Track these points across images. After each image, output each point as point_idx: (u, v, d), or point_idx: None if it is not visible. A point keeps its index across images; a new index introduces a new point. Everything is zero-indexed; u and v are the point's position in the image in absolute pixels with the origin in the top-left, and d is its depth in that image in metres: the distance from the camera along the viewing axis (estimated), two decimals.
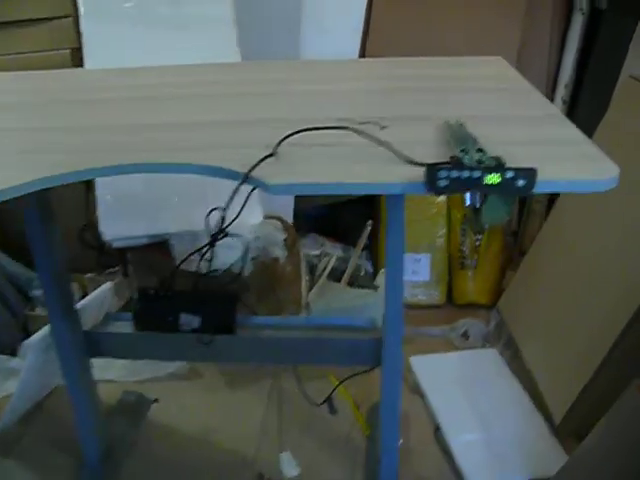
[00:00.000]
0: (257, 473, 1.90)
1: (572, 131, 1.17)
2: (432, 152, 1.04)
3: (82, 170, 1.07)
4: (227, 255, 2.10)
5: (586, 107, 2.70)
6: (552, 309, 2.19)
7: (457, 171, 0.91)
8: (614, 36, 2.54)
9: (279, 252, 2.26)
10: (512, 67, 1.61)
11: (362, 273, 2.53)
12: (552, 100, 2.79)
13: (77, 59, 2.50)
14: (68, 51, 2.47)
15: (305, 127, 1.11)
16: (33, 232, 1.56)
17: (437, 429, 2.03)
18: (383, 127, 1.16)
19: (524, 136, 1.15)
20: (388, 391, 1.67)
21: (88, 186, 2.37)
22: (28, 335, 2.43)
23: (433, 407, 2.09)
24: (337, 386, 2.08)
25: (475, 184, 0.91)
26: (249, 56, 2.29)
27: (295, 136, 1.11)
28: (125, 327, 1.81)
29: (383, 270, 2.52)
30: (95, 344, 1.78)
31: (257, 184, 1.01)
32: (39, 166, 1.08)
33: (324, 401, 2.05)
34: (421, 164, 0.96)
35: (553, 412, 2.01)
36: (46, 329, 1.80)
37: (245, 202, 1.10)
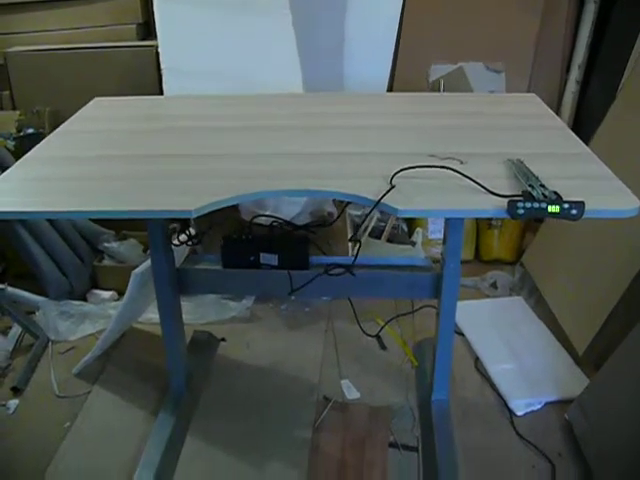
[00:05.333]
0: (323, 396, 2.24)
1: (602, 168, 1.50)
2: (505, 184, 1.38)
3: (253, 193, 1.40)
4: (289, 209, 2.43)
5: (599, 86, 3.02)
6: (571, 259, 2.54)
7: (530, 203, 1.25)
8: (625, 21, 2.85)
9: (331, 208, 2.59)
10: (544, 105, 1.94)
11: (399, 232, 2.87)
12: (566, 81, 3.12)
13: (142, 33, 2.80)
14: (134, 26, 2.76)
15: (413, 164, 1.42)
16: None
17: (476, 360, 2.40)
18: (463, 162, 1.48)
19: (566, 171, 1.47)
20: (445, 320, 2.00)
21: None
22: (97, 284, 2.75)
23: (472, 343, 2.47)
24: (385, 324, 2.46)
25: (542, 212, 1.26)
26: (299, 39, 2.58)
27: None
28: (213, 266, 2.13)
29: (418, 229, 2.87)
30: (187, 279, 2.08)
31: (388, 209, 1.33)
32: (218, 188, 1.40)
33: (377, 334, 2.41)
34: (503, 196, 1.30)
35: (576, 346, 2.36)
36: (144, 265, 2.11)
37: None
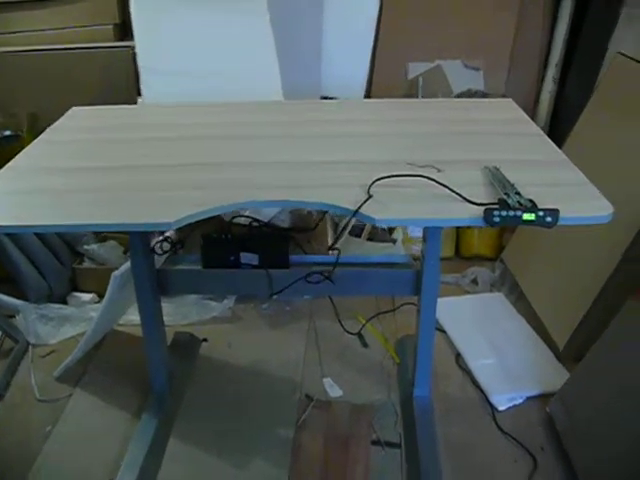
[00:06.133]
0: (305, 395, 2.25)
1: (576, 174, 1.52)
2: (481, 192, 1.40)
3: (232, 204, 1.41)
4: (269, 209, 2.44)
5: (575, 84, 3.04)
6: (551, 254, 2.56)
7: (505, 211, 1.27)
8: (601, 17, 2.87)
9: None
10: (521, 110, 1.96)
11: (379, 230, 2.88)
12: (544, 78, 3.15)
13: (119, 34, 2.79)
14: (111, 27, 2.76)
15: (390, 174, 1.44)
16: None
17: (458, 356, 2.41)
18: (440, 170, 1.50)
19: (542, 178, 1.49)
20: (426, 316, 2.01)
21: None
22: (77, 287, 2.74)
23: (453, 339, 2.48)
24: (366, 322, 2.48)
25: (517, 220, 1.28)
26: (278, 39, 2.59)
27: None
28: (193, 266, 2.13)
29: (398, 227, 2.89)
30: (167, 280, 2.07)
31: (365, 219, 1.35)
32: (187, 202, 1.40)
33: (358, 332, 2.43)
34: (479, 204, 1.32)
35: (556, 341, 2.38)
36: (124, 266, 2.10)
37: None
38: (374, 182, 1.42)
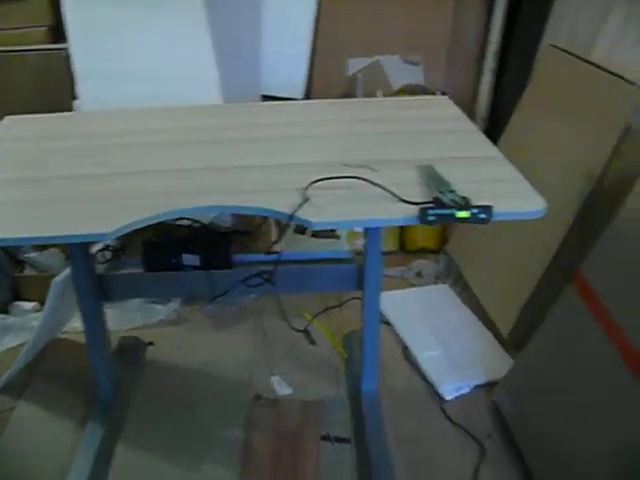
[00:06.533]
0: (254, 394, 2.24)
1: (510, 170, 1.55)
2: (417, 191, 1.40)
3: (170, 211, 1.39)
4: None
5: (512, 76, 3.09)
6: (492, 244, 2.60)
7: (440, 209, 1.29)
8: (535, 8, 2.92)
9: None
10: (457, 107, 1.98)
11: None
12: (482, 70, 3.19)
13: (53, 36, 2.74)
14: (44, 29, 2.70)
15: (325, 176, 1.44)
16: None
17: (404, 349, 2.43)
18: (376, 170, 1.50)
19: (477, 175, 1.51)
20: (370, 310, 2.02)
21: None
22: (18, 295, 2.68)
23: (399, 332, 2.50)
24: (312, 318, 2.50)
25: (451, 218, 1.29)
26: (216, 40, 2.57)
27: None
28: (135, 270, 2.11)
29: None
30: (108, 286, 2.05)
31: (302, 222, 1.34)
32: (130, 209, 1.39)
33: (305, 329, 2.45)
34: (414, 203, 1.33)
35: (501, 329, 2.42)
36: (64, 273, 2.07)
37: None
38: (310, 185, 1.42)
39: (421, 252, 3.00)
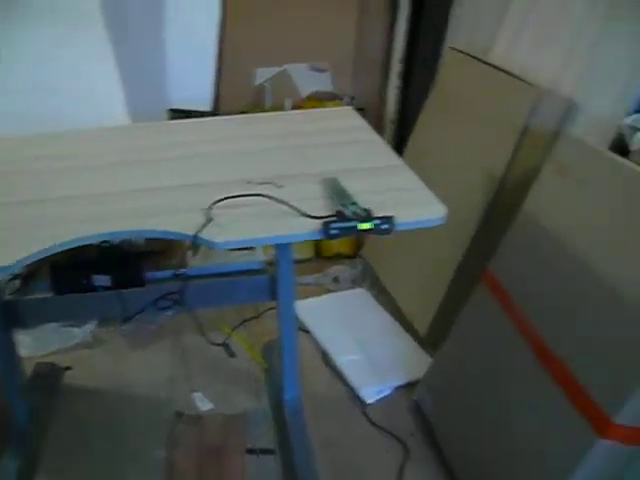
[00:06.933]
0: (175, 412, 2.22)
1: (413, 179, 1.57)
2: (320, 205, 1.40)
3: (70, 240, 1.35)
4: None
5: (419, 77, 3.13)
6: (405, 246, 2.63)
7: (342, 222, 1.30)
8: (436, 12, 2.98)
9: None
10: (360, 117, 1.98)
11: None
12: (389, 73, 3.24)
13: None
14: None
15: (228, 195, 1.43)
16: None
17: (324, 355, 2.45)
18: (280, 186, 1.51)
19: (380, 185, 1.52)
20: (286, 320, 2.03)
21: None
22: None
23: (318, 339, 2.52)
24: (231, 332, 2.50)
25: (354, 230, 1.31)
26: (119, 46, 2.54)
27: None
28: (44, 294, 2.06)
29: None
30: (17, 312, 1.99)
31: (205, 242, 1.33)
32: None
33: (223, 342, 2.43)
34: (317, 217, 1.33)
35: (418, 329, 2.47)
36: None
37: None
38: (213, 204, 1.41)
39: (337, 258, 3.04)
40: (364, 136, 1.87)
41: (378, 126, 3.30)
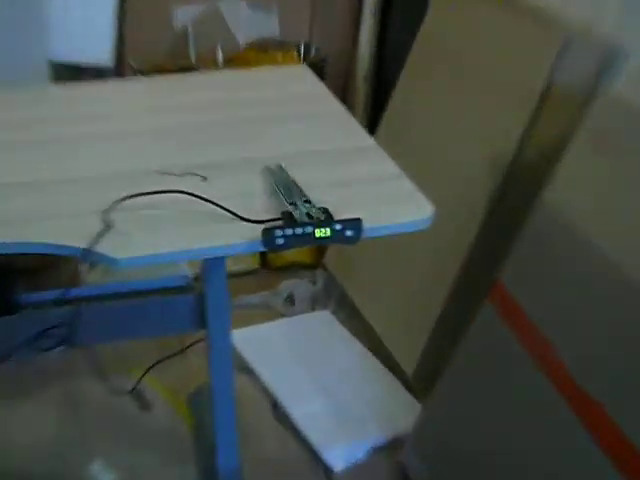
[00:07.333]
0: None
1: (389, 166, 1.57)
2: (263, 203, 1.39)
3: None
4: None
5: (401, 17, 3.14)
6: (384, 255, 2.64)
7: (290, 228, 1.27)
8: None
9: None
10: (317, 80, 1.99)
11: None
12: (361, 12, 3.23)
13: None
14: None
15: (135, 192, 1.39)
16: None
17: (274, 406, 2.44)
18: (204, 178, 1.49)
19: (344, 174, 1.53)
20: (218, 357, 2.02)
21: None
22: None
23: (266, 383, 2.51)
24: (143, 375, 2.48)
25: (308, 239, 1.28)
26: None
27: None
28: None
29: None
30: None
31: (101, 259, 1.28)
32: None
33: (133, 389, 2.43)
34: (257, 221, 1.31)
35: (403, 365, 2.47)
36: None
37: None
38: (114, 205, 1.38)
39: (291, 268, 3.03)
40: (325, 106, 1.86)
41: (344, 87, 3.31)
